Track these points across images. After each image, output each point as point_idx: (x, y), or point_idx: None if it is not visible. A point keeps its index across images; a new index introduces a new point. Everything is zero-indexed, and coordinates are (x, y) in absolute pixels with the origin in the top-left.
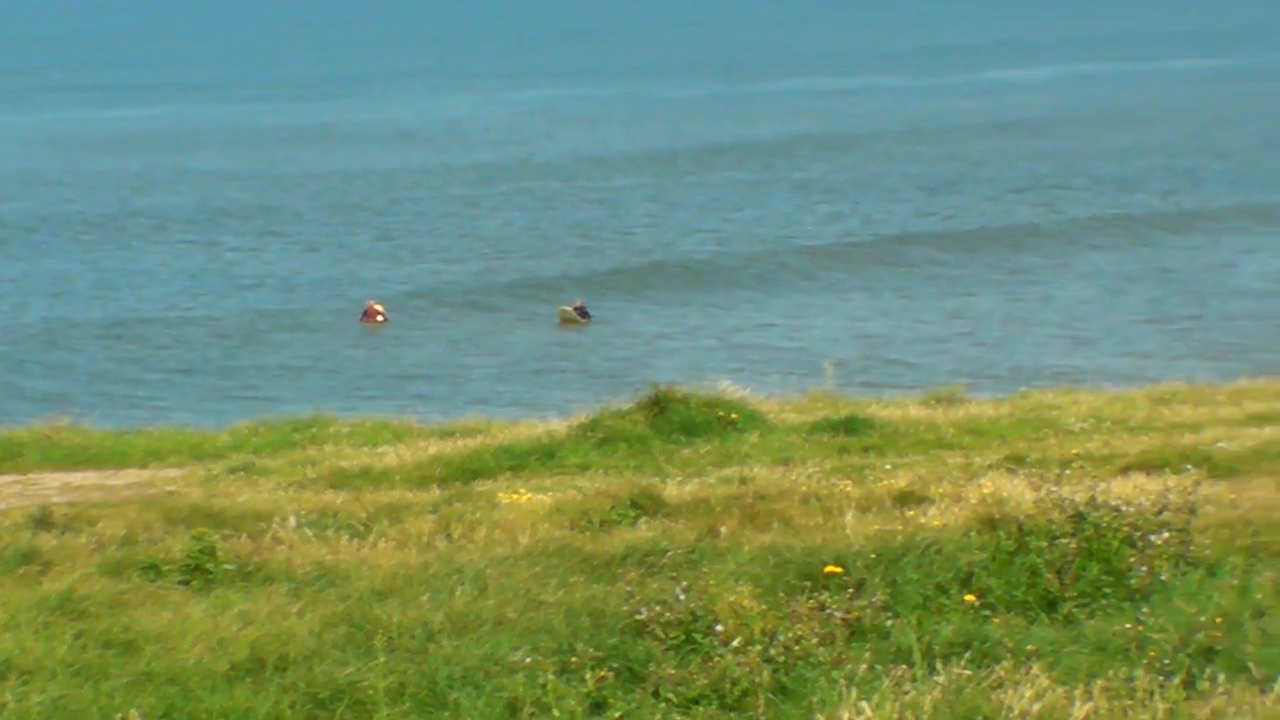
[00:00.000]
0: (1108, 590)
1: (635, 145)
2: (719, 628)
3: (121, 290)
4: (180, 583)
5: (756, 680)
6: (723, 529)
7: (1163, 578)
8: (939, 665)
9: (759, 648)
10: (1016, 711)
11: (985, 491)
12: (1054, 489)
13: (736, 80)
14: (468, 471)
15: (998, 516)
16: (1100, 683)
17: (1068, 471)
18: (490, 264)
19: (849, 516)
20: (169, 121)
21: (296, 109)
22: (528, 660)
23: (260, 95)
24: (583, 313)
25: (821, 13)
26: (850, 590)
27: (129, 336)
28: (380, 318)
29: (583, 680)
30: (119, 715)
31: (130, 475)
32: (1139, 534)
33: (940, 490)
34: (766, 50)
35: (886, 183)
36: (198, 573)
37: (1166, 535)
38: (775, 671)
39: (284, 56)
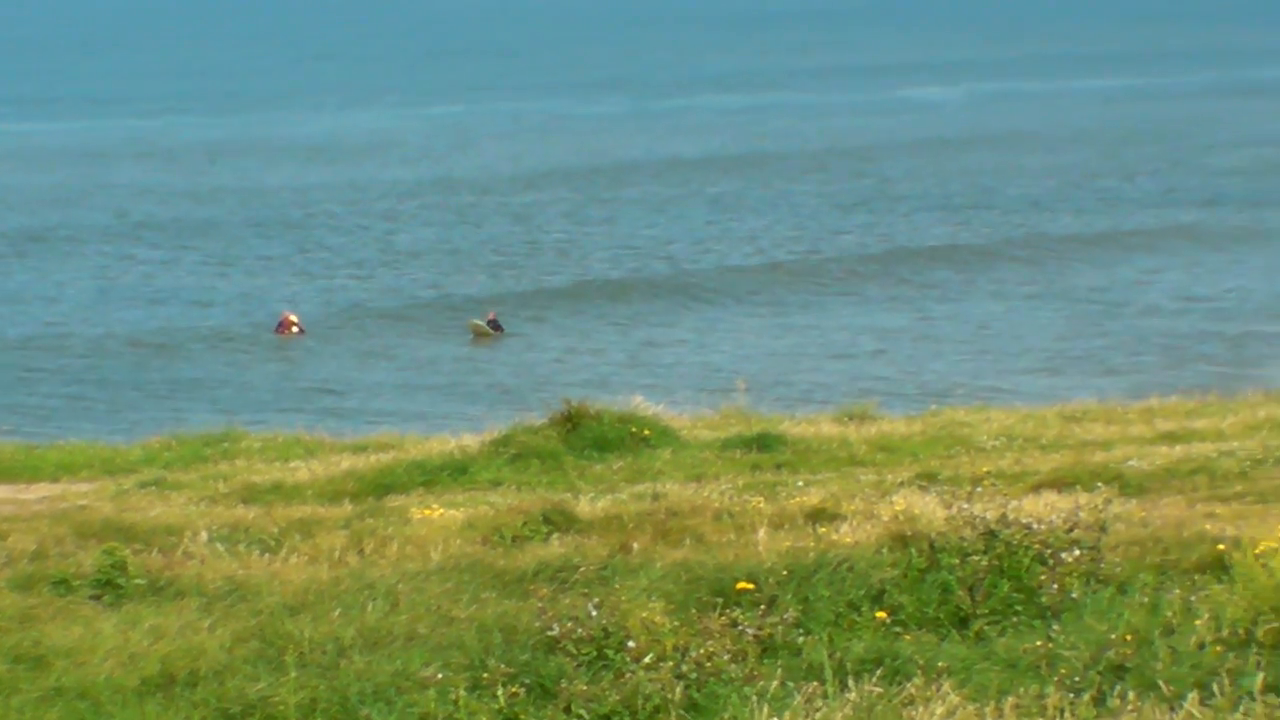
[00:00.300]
0: (1019, 608)
1: (549, 161)
2: (631, 644)
3: (33, 304)
4: (91, 597)
5: (668, 697)
6: (635, 545)
7: (1074, 595)
8: (850, 682)
9: (671, 664)
10: None
11: (897, 509)
12: (966, 506)
13: (650, 98)
14: (380, 487)
15: (909, 534)
16: (1011, 700)
17: (979, 489)
18: (405, 278)
19: (761, 533)
20: (79, 136)
21: (209, 123)
22: (439, 676)
23: (170, 109)
24: (495, 325)
25: (737, 33)
26: (762, 607)
27: (41, 350)
28: (295, 329)
29: (494, 696)
30: None
31: (41, 489)
32: (1050, 551)
33: (852, 507)
34: (681, 68)
35: (800, 200)
36: (109, 587)
37: (1077, 553)
38: (687, 688)
39: (193, 71)
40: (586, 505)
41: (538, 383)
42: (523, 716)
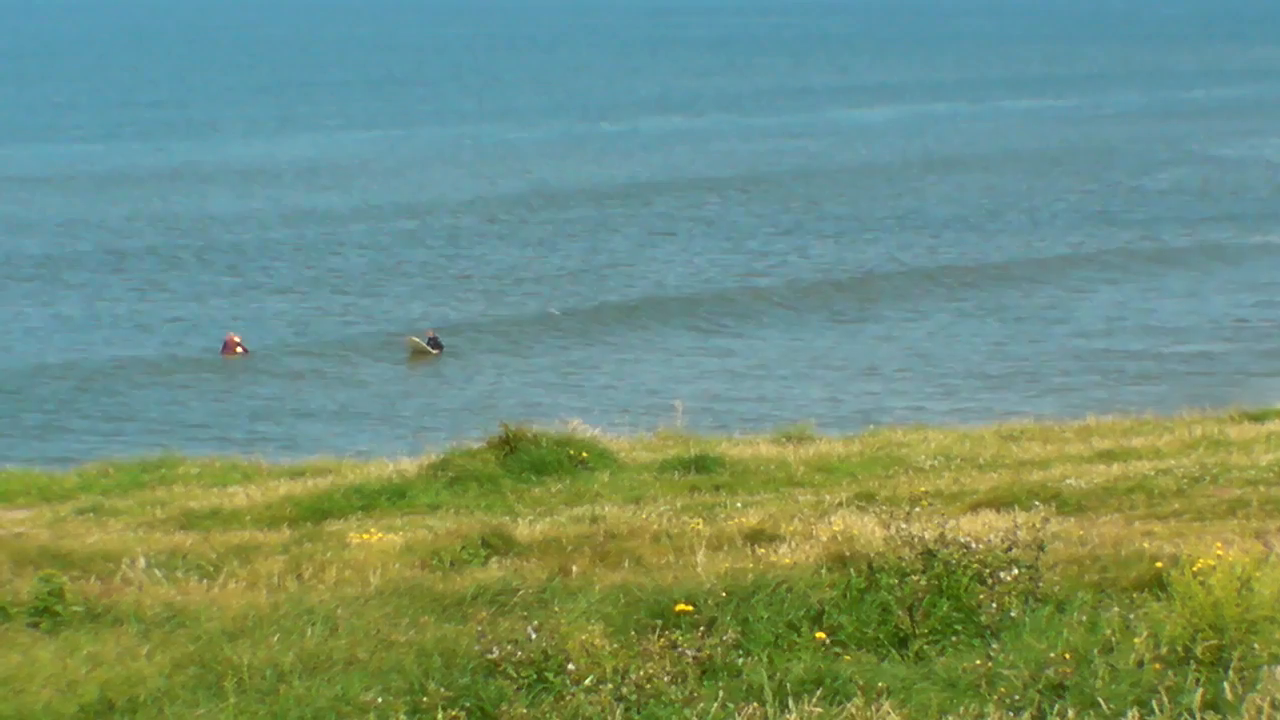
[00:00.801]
0: (958, 627)
1: (482, 186)
2: (571, 667)
3: None
4: (29, 625)
5: (609, 719)
6: (574, 568)
7: (1013, 614)
8: (791, 703)
9: (611, 686)
10: None
11: (836, 529)
12: (904, 526)
13: (582, 122)
14: (318, 512)
15: (848, 554)
16: (951, 719)
17: (918, 509)
18: (341, 302)
19: (700, 555)
20: (10, 164)
21: (130, 151)
22: (379, 700)
23: (89, 138)
24: (434, 344)
25: (667, 59)
26: (701, 628)
27: None
28: (240, 349)
29: None
30: None
31: None
32: (989, 571)
33: (791, 528)
34: (611, 93)
35: (733, 224)
36: (46, 615)
37: (1016, 572)
38: (627, 710)
39: (107, 101)
40: (525, 528)
41: (475, 405)
42: None
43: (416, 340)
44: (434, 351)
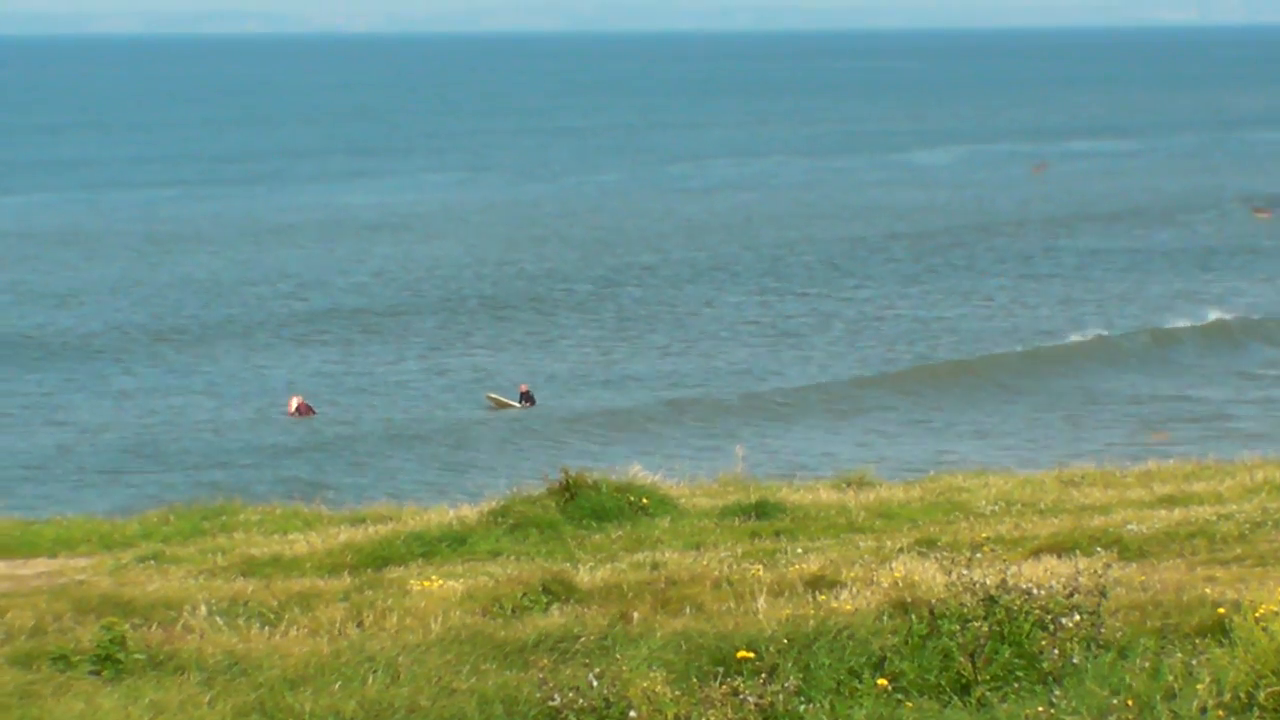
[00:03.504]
0: (1020, 673)
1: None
2: (633, 714)
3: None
4: (91, 673)
5: None
6: (635, 614)
7: (1074, 660)
8: None
9: None
10: None
11: (897, 575)
12: (965, 572)
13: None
14: (379, 558)
15: (909, 600)
16: None
17: (979, 555)
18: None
19: (761, 601)
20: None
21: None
22: None
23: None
24: (527, 398)
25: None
26: (763, 675)
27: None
28: (306, 410)
29: None
30: None
31: (39, 565)
32: (1050, 617)
33: (852, 574)
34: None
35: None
36: (108, 663)
37: (1078, 618)
38: None
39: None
40: (586, 575)
41: (544, 452)
42: None
43: (496, 397)
44: (525, 405)
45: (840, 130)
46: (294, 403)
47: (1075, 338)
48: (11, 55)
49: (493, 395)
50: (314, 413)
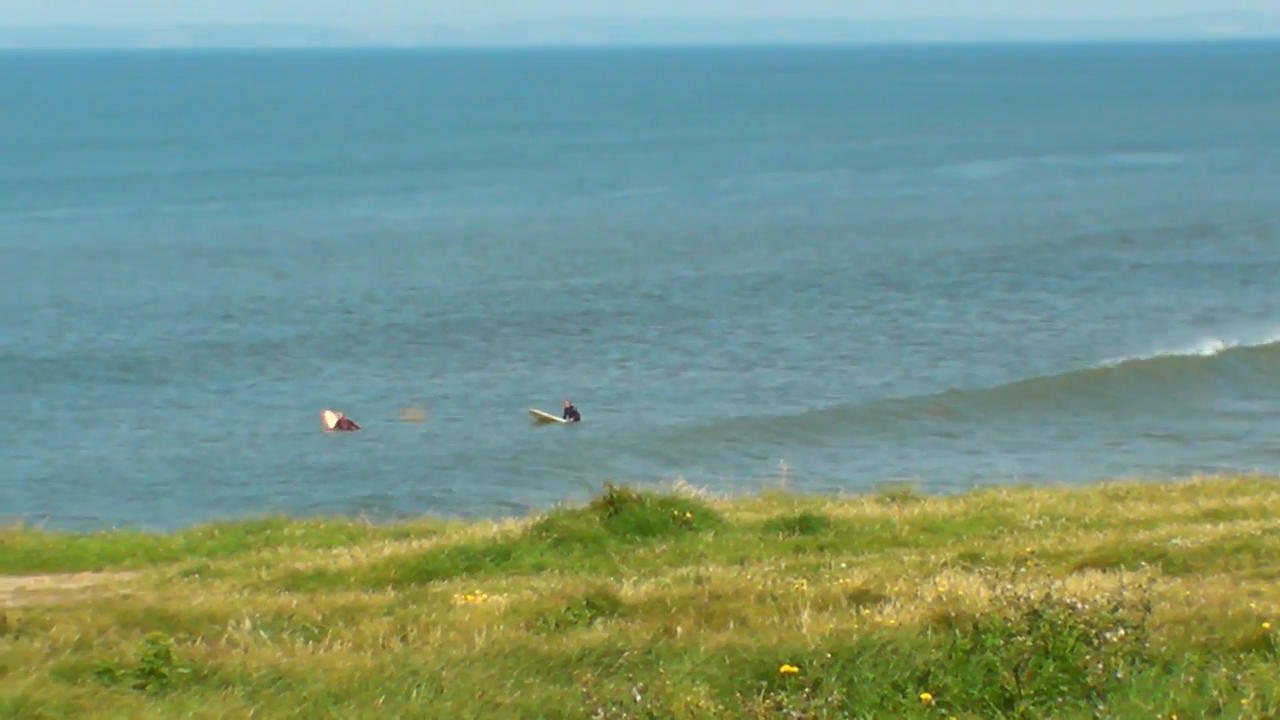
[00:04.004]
0: (1064, 688)
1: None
2: None
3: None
4: (135, 687)
5: None
6: (679, 629)
7: (1119, 675)
8: None
9: None
10: None
11: (941, 589)
12: (1009, 587)
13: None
14: (423, 573)
15: (953, 614)
16: None
17: (1023, 569)
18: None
19: (805, 615)
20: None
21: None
22: None
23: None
24: (571, 413)
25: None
26: (807, 690)
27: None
28: (349, 425)
29: None
30: None
31: (84, 579)
32: (1095, 631)
33: (896, 588)
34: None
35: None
36: (153, 677)
37: (1122, 632)
38: None
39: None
40: (630, 589)
41: (584, 463)
42: None
43: (540, 412)
44: (563, 420)
45: (885, 145)
46: (332, 419)
47: (1118, 355)
48: (62, 70)
49: (536, 410)
50: (357, 428)
